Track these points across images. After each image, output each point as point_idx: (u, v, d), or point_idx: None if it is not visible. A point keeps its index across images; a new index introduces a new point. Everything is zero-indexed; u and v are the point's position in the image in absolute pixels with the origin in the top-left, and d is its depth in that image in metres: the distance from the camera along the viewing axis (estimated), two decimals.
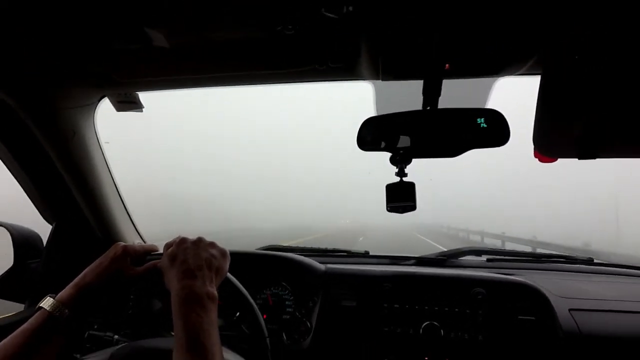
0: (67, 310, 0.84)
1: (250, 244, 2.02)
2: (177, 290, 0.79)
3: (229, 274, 0.94)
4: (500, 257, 1.74)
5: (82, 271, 0.91)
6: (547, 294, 1.26)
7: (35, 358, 0.80)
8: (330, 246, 1.86)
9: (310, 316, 1.34)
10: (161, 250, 0.94)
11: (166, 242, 0.93)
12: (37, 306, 0.85)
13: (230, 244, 1.03)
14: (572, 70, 0.76)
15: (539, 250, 10.85)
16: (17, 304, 1.46)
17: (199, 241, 0.90)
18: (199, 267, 0.83)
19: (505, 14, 0.81)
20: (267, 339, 0.96)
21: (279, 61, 1.07)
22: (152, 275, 0.93)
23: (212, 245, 0.91)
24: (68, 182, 1.40)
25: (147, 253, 0.99)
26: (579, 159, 0.80)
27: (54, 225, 1.53)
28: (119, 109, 1.37)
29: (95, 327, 1.26)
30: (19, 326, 0.81)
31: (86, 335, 1.17)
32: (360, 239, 19.80)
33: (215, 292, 0.82)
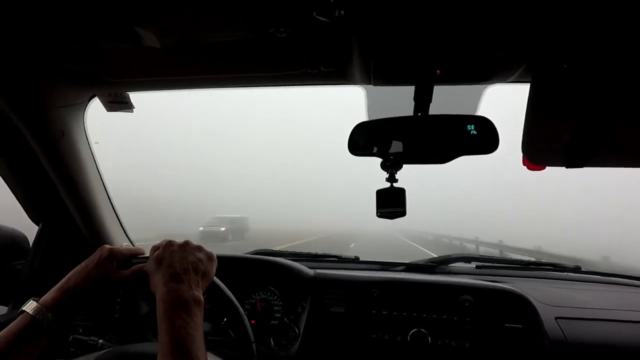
0: (50, 314, 0.83)
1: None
2: (162, 294, 0.78)
3: (215, 278, 0.93)
4: (489, 264, 1.75)
5: (68, 273, 0.90)
6: (534, 302, 1.26)
7: None
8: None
9: (299, 322, 1.33)
10: (148, 254, 0.93)
11: (153, 244, 0.92)
12: (20, 310, 0.83)
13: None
14: (561, 79, 0.76)
15: (507, 254, 11.26)
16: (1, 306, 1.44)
17: (186, 244, 0.89)
18: (185, 270, 0.82)
19: (496, 22, 0.81)
20: (254, 345, 0.95)
21: (271, 64, 1.06)
22: (138, 278, 0.91)
23: (199, 248, 0.90)
24: (55, 183, 1.38)
25: (133, 256, 0.98)
26: (567, 167, 0.80)
27: (40, 225, 1.51)
28: (109, 109, 1.35)
29: (81, 330, 1.24)
30: (1, 328, 0.80)
31: (70, 339, 1.15)
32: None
33: (202, 297, 0.81)
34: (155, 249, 0.90)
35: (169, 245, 0.88)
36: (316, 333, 1.32)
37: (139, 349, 0.92)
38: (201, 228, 19.48)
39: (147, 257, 0.90)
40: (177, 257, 0.85)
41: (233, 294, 0.98)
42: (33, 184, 1.40)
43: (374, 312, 1.31)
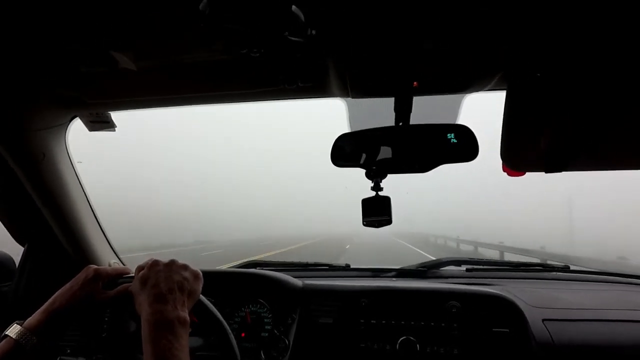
0: (34, 338, 0.82)
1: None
2: (147, 314, 0.78)
3: (202, 297, 0.93)
4: (479, 267, 1.76)
5: (54, 294, 0.89)
6: (521, 305, 1.27)
7: None
8: None
9: (289, 333, 1.33)
10: (133, 273, 0.92)
11: (138, 264, 0.92)
12: (3, 334, 0.83)
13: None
14: (535, 87, 0.78)
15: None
16: None
17: (172, 264, 0.89)
18: (170, 290, 0.82)
19: (469, 33, 0.83)
20: None
21: (249, 81, 1.07)
22: (123, 299, 0.91)
23: (185, 267, 0.90)
24: (39, 204, 1.37)
25: (119, 276, 0.98)
26: (546, 172, 0.82)
27: (26, 246, 1.50)
28: (91, 129, 1.35)
29: (68, 351, 1.22)
30: None
31: None
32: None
33: (187, 317, 0.81)
34: (140, 268, 0.90)
35: (154, 264, 0.88)
36: (306, 344, 1.31)
37: None
38: None
39: (133, 277, 0.90)
40: (162, 276, 0.84)
41: (222, 307, 0.98)
42: (16, 205, 1.39)
43: (362, 321, 1.31)
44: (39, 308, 0.87)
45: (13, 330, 0.82)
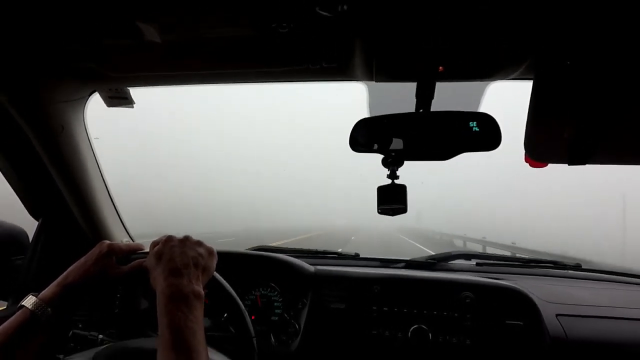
0: (49, 309, 0.83)
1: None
2: (162, 288, 0.78)
3: (216, 273, 0.93)
4: (489, 261, 1.75)
5: (67, 269, 0.89)
6: (535, 299, 1.26)
7: (16, 357, 0.78)
8: None
9: (299, 318, 1.33)
10: (147, 249, 0.92)
11: (153, 240, 0.92)
12: (19, 304, 0.83)
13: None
14: (564, 76, 0.76)
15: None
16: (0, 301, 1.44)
17: (186, 239, 0.89)
18: (185, 265, 0.82)
19: (499, 19, 0.81)
20: (255, 340, 0.95)
21: (272, 59, 1.06)
22: (137, 274, 0.91)
23: (199, 243, 0.90)
24: (55, 178, 1.37)
25: (132, 252, 0.98)
26: (569, 164, 0.80)
27: (40, 221, 1.51)
28: (109, 104, 1.35)
29: (80, 325, 1.24)
30: (1, 323, 0.80)
31: (70, 334, 1.14)
32: None
33: (202, 291, 0.81)
34: (155, 244, 0.90)
35: (169, 240, 0.88)
36: (316, 329, 1.32)
37: (138, 345, 0.92)
38: None
39: (147, 253, 0.90)
40: (177, 251, 0.84)
41: (233, 289, 0.98)
42: (33, 179, 1.39)
43: (374, 308, 1.31)
44: (52, 282, 0.88)
45: (29, 301, 0.83)
